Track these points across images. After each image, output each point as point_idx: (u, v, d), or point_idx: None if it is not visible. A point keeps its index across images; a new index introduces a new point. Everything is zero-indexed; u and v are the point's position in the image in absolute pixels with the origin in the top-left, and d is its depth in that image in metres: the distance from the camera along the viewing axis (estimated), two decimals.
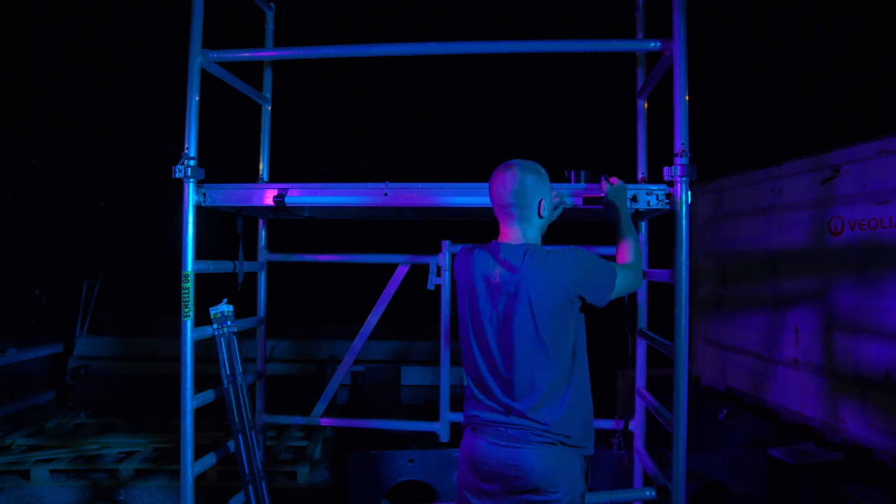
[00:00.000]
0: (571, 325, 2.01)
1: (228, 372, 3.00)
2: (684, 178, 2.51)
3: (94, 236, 9.08)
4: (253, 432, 3.04)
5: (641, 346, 3.36)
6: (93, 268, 7.16)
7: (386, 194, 2.80)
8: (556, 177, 2.57)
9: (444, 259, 3.36)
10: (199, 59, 2.75)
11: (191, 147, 2.71)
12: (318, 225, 4.12)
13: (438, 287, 3.40)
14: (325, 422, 3.58)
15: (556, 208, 2.36)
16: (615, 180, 2.56)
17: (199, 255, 2.78)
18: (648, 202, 2.64)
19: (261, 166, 3.59)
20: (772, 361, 4.37)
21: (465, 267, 2.12)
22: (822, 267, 3.91)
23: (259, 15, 3.61)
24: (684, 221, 2.51)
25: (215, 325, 2.98)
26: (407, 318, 6.28)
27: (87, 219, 9.25)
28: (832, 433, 3.75)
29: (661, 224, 3.12)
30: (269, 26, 3.57)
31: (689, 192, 2.53)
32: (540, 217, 2.09)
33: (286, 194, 2.83)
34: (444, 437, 3.44)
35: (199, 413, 2.85)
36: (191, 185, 2.74)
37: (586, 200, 2.67)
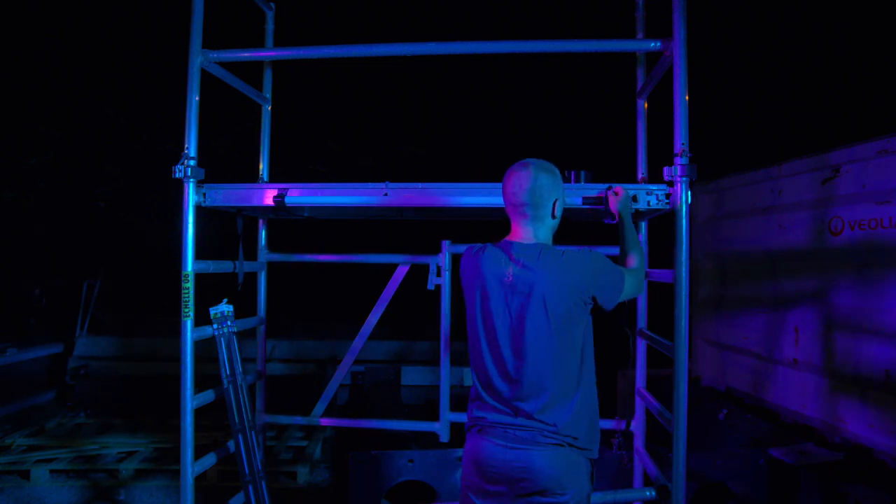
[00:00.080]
0: (581, 327, 2.01)
1: (228, 372, 3.00)
2: (684, 178, 2.51)
3: (94, 236, 9.08)
4: (253, 432, 3.04)
5: (641, 346, 3.36)
6: (93, 268, 7.16)
7: (386, 194, 2.80)
8: None
9: (444, 259, 3.36)
10: (199, 59, 2.75)
11: (191, 147, 2.72)
12: (318, 225, 4.12)
13: (438, 287, 3.39)
14: (325, 422, 3.58)
15: None
16: (620, 190, 2.55)
17: (199, 255, 2.78)
18: (648, 202, 2.65)
19: (261, 166, 3.59)
20: (772, 361, 4.36)
21: (474, 266, 2.08)
22: (822, 267, 3.91)
23: (259, 15, 3.61)
24: (684, 221, 2.52)
25: (215, 325, 2.98)
26: (407, 318, 6.28)
27: (87, 219, 9.25)
28: (832, 433, 3.75)
29: (661, 224, 3.12)
30: (269, 26, 3.58)
31: (689, 192, 2.53)
32: (553, 217, 2.08)
33: (286, 194, 2.83)
34: (444, 437, 3.44)
35: (199, 413, 2.85)
36: (191, 185, 2.74)
37: (586, 200, 2.67)
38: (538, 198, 2.02)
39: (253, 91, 3.41)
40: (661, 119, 2.86)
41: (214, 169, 2.91)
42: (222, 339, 2.99)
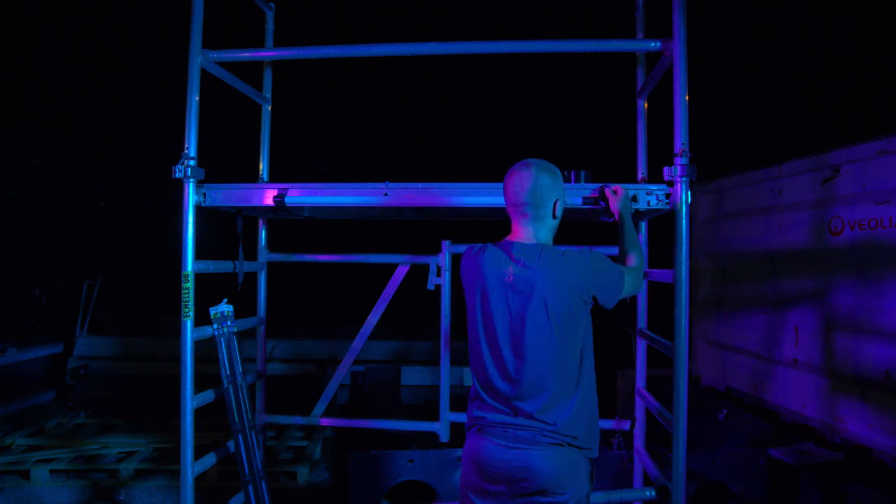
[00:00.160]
0: (582, 326, 2.01)
1: (228, 372, 3.00)
2: (684, 178, 2.51)
3: (94, 236, 9.08)
4: (253, 432, 3.04)
5: (641, 346, 3.36)
6: (93, 268, 7.16)
7: (386, 194, 2.80)
8: None
9: (444, 259, 3.36)
10: (199, 59, 2.75)
11: (191, 147, 2.72)
12: (318, 225, 4.12)
13: (438, 287, 3.39)
14: (325, 422, 3.58)
15: None
16: (619, 189, 2.55)
17: (199, 255, 2.78)
18: (648, 202, 2.65)
19: (261, 166, 3.59)
20: (772, 361, 4.36)
21: (474, 266, 2.09)
22: (822, 267, 3.91)
23: (259, 15, 3.61)
24: (684, 221, 2.52)
25: (215, 325, 2.98)
26: (407, 318, 6.28)
27: (87, 219, 9.25)
28: (832, 433, 3.75)
29: (661, 224, 3.12)
30: (269, 26, 3.58)
31: (689, 192, 2.53)
32: (554, 218, 2.08)
33: (286, 194, 2.83)
34: (444, 437, 3.44)
35: (199, 413, 2.85)
36: (191, 185, 2.74)
37: (586, 200, 2.67)
38: (539, 198, 2.02)
39: (253, 91, 3.41)
40: (661, 119, 2.86)
41: (214, 169, 2.91)
42: (222, 339, 2.99)
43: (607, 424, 3.35)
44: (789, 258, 4.24)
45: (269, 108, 3.62)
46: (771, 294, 4.46)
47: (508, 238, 2.10)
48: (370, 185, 2.82)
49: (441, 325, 3.47)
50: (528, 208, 2.04)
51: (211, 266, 2.93)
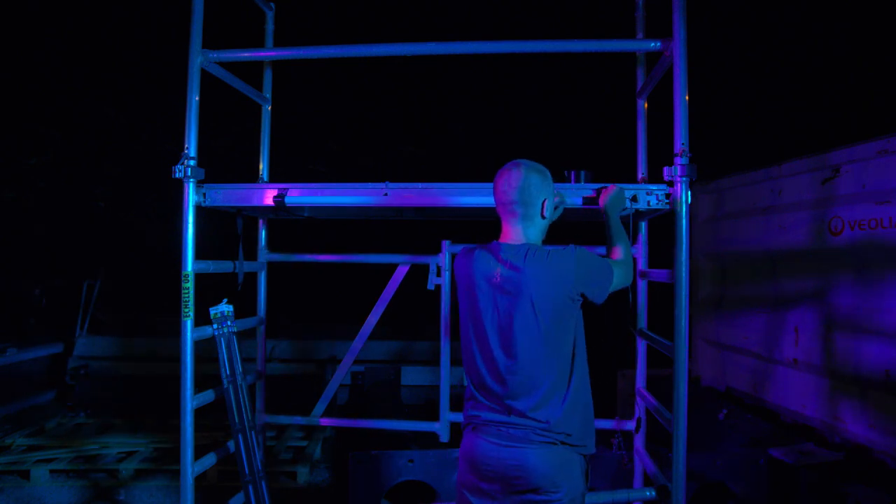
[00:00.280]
0: (572, 324, 2.02)
1: (228, 372, 3.00)
2: (684, 178, 2.51)
3: (94, 236, 9.08)
4: (253, 432, 3.04)
5: (641, 346, 3.36)
6: (93, 268, 7.16)
7: (386, 194, 2.80)
8: (557, 177, 2.56)
9: (444, 259, 3.36)
10: (199, 59, 2.75)
11: (191, 147, 2.71)
12: (318, 225, 4.12)
13: (438, 287, 3.40)
14: (325, 422, 3.58)
15: (556, 208, 2.37)
16: (612, 187, 2.57)
17: (199, 255, 2.78)
18: (648, 202, 2.64)
19: (261, 166, 3.59)
20: (772, 361, 4.36)
21: (465, 267, 2.12)
22: (822, 267, 3.91)
23: (259, 15, 3.61)
24: (684, 221, 2.52)
25: (215, 325, 2.98)
26: (407, 318, 6.28)
27: (87, 219, 9.25)
28: (832, 433, 3.75)
29: (661, 224, 3.12)
30: (269, 26, 3.57)
31: (689, 192, 2.53)
32: (543, 217, 2.10)
33: (286, 194, 2.83)
34: (444, 437, 3.44)
35: (199, 413, 2.85)
36: (191, 185, 2.74)
37: (586, 200, 2.67)
38: (528, 196, 2.04)
39: (253, 91, 3.41)
40: (661, 119, 2.86)
41: (214, 169, 2.91)
42: (222, 339, 2.99)
43: (607, 424, 3.36)
44: (789, 258, 4.24)
45: (269, 108, 3.62)
46: (771, 294, 4.46)
47: (498, 240, 2.12)
48: (370, 185, 2.82)
49: (441, 325, 3.47)
50: (516, 206, 2.05)
51: (211, 266, 2.93)
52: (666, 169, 2.54)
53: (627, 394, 4.61)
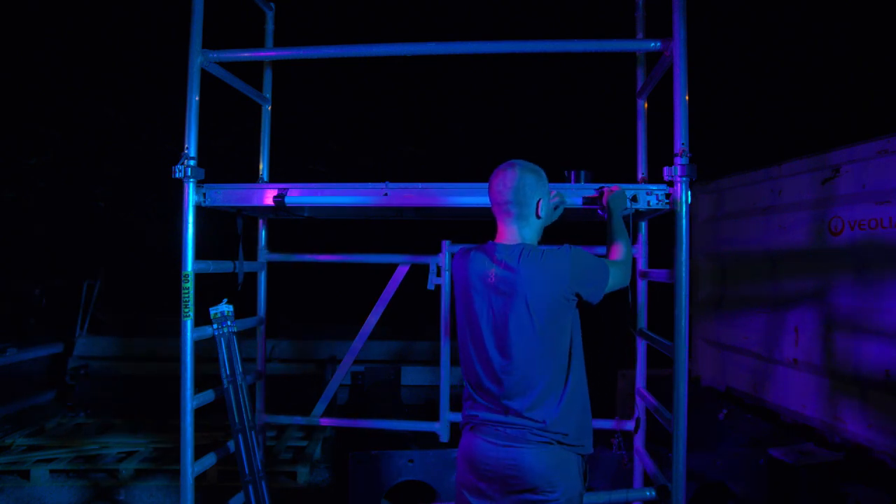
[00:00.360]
0: (567, 324, 2.02)
1: (228, 372, 3.00)
2: (684, 178, 2.51)
3: (94, 236, 9.08)
4: (253, 432, 3.04)
5: (641, 346, 3.36)
6: (93, 268, 7.16)
7: (386, 194, 2.80)
8: (556, 177, 2.57)
9: (444, 259, 3.36)
10: (199, 59, 2.75)
11: (191, 147, 2.72)
12: (318, 225, 4.12)
13: (438, 287, 3.40)
14: (325, 422, 3.58)
15: (556, 208, 2.37)
16: (615, 188, 2.58)
17: (199, 255, 2.78)
18: (648, 202, 2.65)
19: (261, 166, 3.59)
20: (772, 361, 4.36)
21: (461, 268, 2.12)
22: (822, 267, 3.91)
23: (259, 15, 3.61)
24: (684, 221, 2.52)
25: (215, 325, 2.98)
26: (407, 318, 6.28)
27: (87, 219, 9.25)
28: (832, 433, 3.75)
29: (661, 224, 3.12)
30: (269, 26, 3.58)
31: (689, 192, 2.53)
32: (538, 217, 2.10)
33: (286, 194, 2.83)
34: (444, 437, 3.44)
35: (199, 413, 2.85)
36: (191, 185, 2.74)
37: (586, 200, 2.67)
38: (522, 196, 2.04)
39: (253, 91, 3.41)
40: (661, 119, 2.86)
41: (214, 169, 2.91)
42: (222, 339, 2.99)
43: (607, 424, 3.36)
44: (789, 258, 4.24)
45: (269, 108, 3.62)
46: (771, 294, 4.46)
47: (493, 240, 2.12)
48: (370, 185, 2.82)
49: (441, 325, 3.47)
50: (511, 206, 2.05)
51: (211, 266, 2.93)
52: (666, 169, 2.54)
53: (627, 394, 4.61)
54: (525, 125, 9.38)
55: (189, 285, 2.72)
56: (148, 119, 8.82)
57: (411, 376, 6.01)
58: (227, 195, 2.87)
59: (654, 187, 2.65)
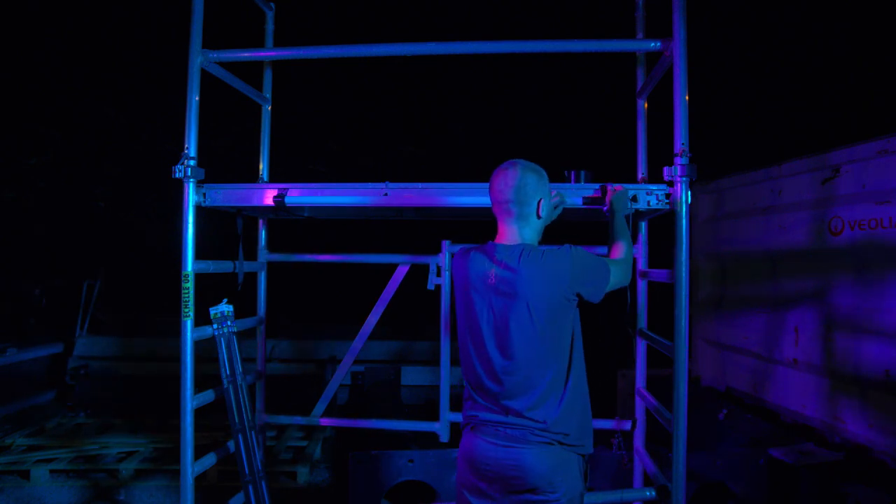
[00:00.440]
0: (568, 323, 2.02)
1: (228, 372, 3.00)
2: (684, 178, 2.51)
3: (94, 236, 9.08)
4: (253, 432, 3.04)
5: (641, 346, 3.36)
6: (93, 268, 7.16)
7: (386, 194, 2.80)
8: (556, 177, 2.57)
9: (444, 259, 3.36)
10: (199, 59, 2.75)
11: (191, 147, 2.71)
12: (318, 225, 4.12)
13: (438, 287, 3.40)
14: (325, 422, 3.58)
15: (556, 207, 2.37)
16: (619, 187, 2.58)
17: (199, 255, 2.78)
18: (648, 202, 2.65)
19: (261, 166, 3.59)
20: (772, 361, 4.36)
21: (461, 268, 2.12)
22: (822, 267, 3.91)
23: (259, 15, 3.61)
24: (684, 221, 2.52)
25: (215, 325, 2.98)
26: (407, 318, 6.28)
27: (87, 219, 9.25)
28: (832, 433, 3.75)
29: (661, 224, 3.12)
30: (269, 26, 3.58)
31: (689, 192, 2.53)
32: (538, 217, 2.09)
33: (286, 194, 2.83)
34: (444, 437, 3.44)
35: (199, 413, 2.85)
36: (191, 185, 2.74)
37: (586, 200, 2.67)
38: (523, 195, 2.04)
39: (253, 91, 3.41)
40: (661, 119, 2.86)
41: (214, 169, 2.91)
42: (222, 339, 2.99)
43: (607, 424, 3.35)
44: (789, 258, 4.24)
45: (269, 108, 3.62)
46: (771, 294, 4.46)
47: (493, 240, 2.12)
48: (370, 185, 2.82)
49: (441, 325, 3.47)
50: (512, 206, 2.05)
51: (211, 266, 2.93)
52: (666, 169, 2.54)
53: (627, 394, 4.61)
54: (525, 125, 9.38)
55: (189, 285, 2.72)
56: (148, 119, 8.82)
57: (411, 376, 6.01)
58: (227, 195, 2.87)
59: (654, 187, 2.65)
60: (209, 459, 2.97)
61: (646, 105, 3.28)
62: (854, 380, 3.61)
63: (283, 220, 3.65)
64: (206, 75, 2.81)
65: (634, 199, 2.64)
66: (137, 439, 5.10)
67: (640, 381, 3.35)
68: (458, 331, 2.15)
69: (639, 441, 3.31)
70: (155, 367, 6.16)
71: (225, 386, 2.99)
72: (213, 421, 5.10)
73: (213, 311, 2.99)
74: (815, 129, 7.30)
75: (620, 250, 2.28)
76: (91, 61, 8.61)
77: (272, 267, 3.62)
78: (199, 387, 2.84)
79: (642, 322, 3.35)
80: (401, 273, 3.44)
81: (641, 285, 3.33)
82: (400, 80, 9.21)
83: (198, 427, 2.84)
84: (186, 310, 2.72)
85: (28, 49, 8.39)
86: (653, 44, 2.66)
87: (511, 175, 2.04)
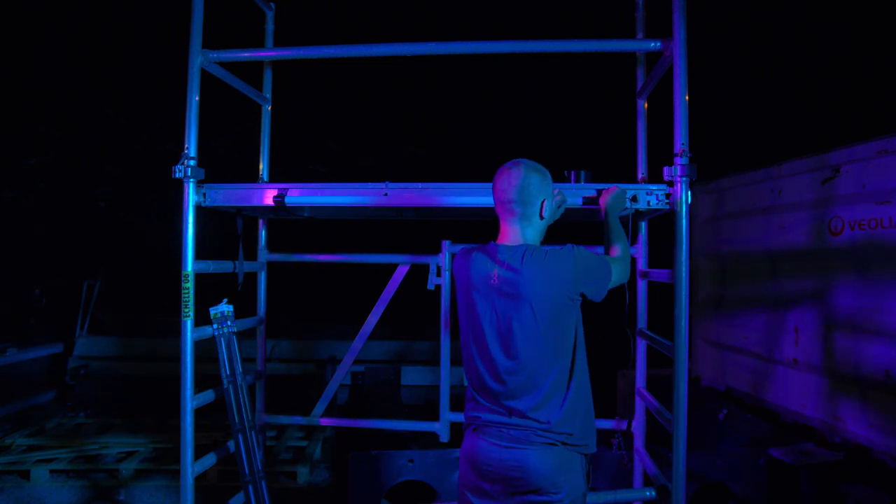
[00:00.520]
0: (571, 324, 2.01)
1: (228, 372, 3.00)
2: (684, 178, 2.51)
3: (94, 236, 9.08)
4: (253, 432, 3.04)
5: (641, 346, 3.36)
6: (93, 268, 7.16)
7: (386, 194, 2.80)
8: (557, 177, 2.57)
9: (444, 259, 3.36)
10: (199, 59, 2.75)
11: (191, 147, 2.71)
12: (318, 225, 4.12)
13: (438, 287, 3.40)
14: (325, 422, 3.58)
15: (559, 206, 2.36)
16: (613, 188, 2.58)
17: (199, 255, 2.78)
18: (648, 202, 2.65)
19: (261, 166, 3.59)
20: (772, 361, 4.36)
21: (463, 269, 2.11)
22: (822, 267, 3.91)
23: (259, 15, 3.61)
24: (684, 221, 2.52)
25: (215, 325, 2.98)
26: (407, 318, 6.28)
27: (87, 219, 9.25)
28: (832, 433, 3.75)
29: (661, 224, 3.12)
30: (269, 26, 3.58)
31: (689, 192, 2.53)
32: (541, 218, 2.09)
33: (286, 194, 2.83)
34: (444, 437, 3.44)
35: (199, 413, 2.85)
36: (191, 185, 2.74)
37: (586, 200, 2.67)
38: (527, 195, 2.03)
39: (253, 91, 3.41)
40: (661, 119, 2.86)
41: (214, 169, 2.91)
42: (222, 339, 2.99)
43: (607, 424, 3.35)
44: (789, 258, 4.24)
45: (269, 108, 3.62)
46: (771, 294, 4.46)
47: (496, 240, 2.11)
48: (370, 185, 2.82)
49: (441, 325, 3.47)
50: (515, 206, 2.04)
51: (211, 266, 2.93)
52: (666, 169, 2.54)
53: (627, 394, 4.60)
54: (525, 125, 9.38)
55: (189, 285, 2.72)
56: (148, 119, 8.82)
57: (411, 376, 6.01)
58: (227, 195, 2.87)
59: (654, 187, 2.65)
60: (209, 459, 2.97)
61: (646, 105, 3.28)
62: (854, 380, 3.61)
63: (283, 220, 3.65)
64: (206, 75, 2.81)
65: (634, 199, 2.65)
66: (137, 439, 5.10)
67: (640, 381, 3.35)
68: (460, 331, 2.14)
69: (639, 441, 3.31)
70: (155, 367, 6.16)
71: (225, 386, 2.99)
72: (213, 421, 5.10)
73: (213, 311, 2.99)
74: (815, 129, 7.30)
75: (617, 249, 2.29)
76: (91, 61, 8.61)
77: (272, 267, 3.62)
78: (199, 387, 2.84)
79: (642, 322, 3.35)
80: (401, 273, 3.44)
81: (641, 285, 3.33)
82: (400, 80, 9.21)
83: (198, 427, 2.84)
84: (186, 310, 2.72)
85: (28, 49, 8.39)
86: (653, 44, 2.66)
87: (515, 175, 2.04)
